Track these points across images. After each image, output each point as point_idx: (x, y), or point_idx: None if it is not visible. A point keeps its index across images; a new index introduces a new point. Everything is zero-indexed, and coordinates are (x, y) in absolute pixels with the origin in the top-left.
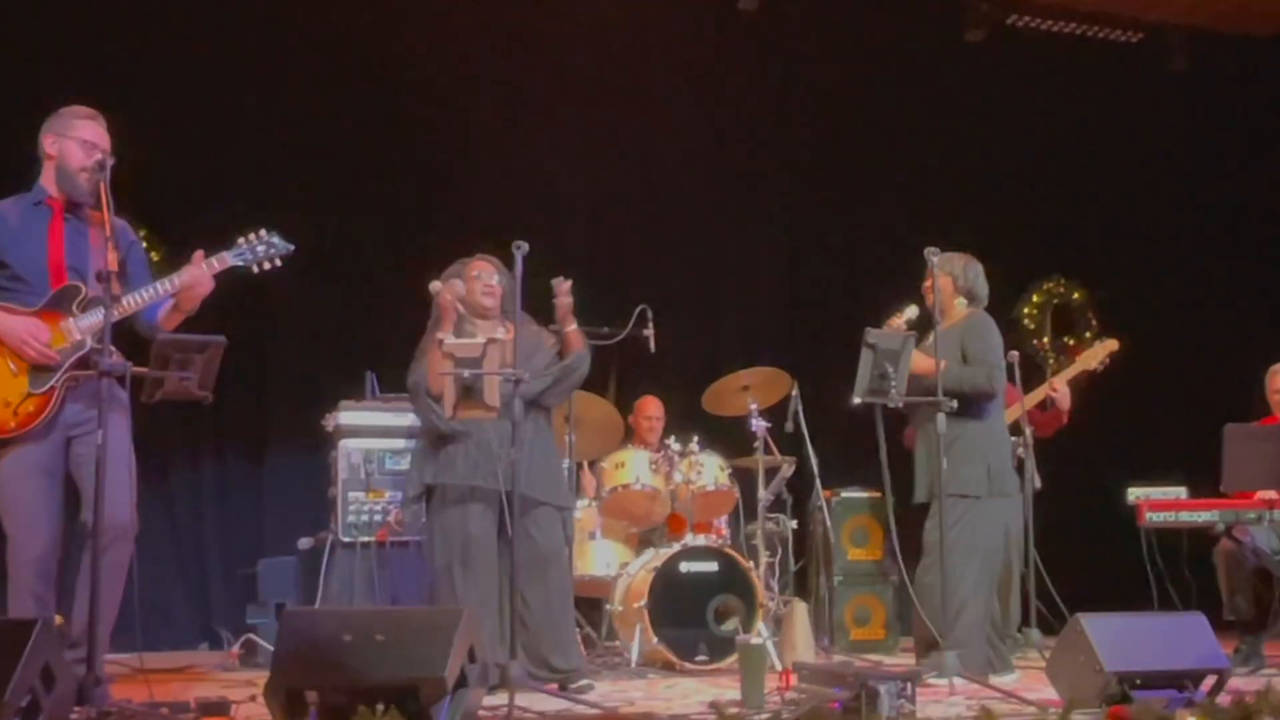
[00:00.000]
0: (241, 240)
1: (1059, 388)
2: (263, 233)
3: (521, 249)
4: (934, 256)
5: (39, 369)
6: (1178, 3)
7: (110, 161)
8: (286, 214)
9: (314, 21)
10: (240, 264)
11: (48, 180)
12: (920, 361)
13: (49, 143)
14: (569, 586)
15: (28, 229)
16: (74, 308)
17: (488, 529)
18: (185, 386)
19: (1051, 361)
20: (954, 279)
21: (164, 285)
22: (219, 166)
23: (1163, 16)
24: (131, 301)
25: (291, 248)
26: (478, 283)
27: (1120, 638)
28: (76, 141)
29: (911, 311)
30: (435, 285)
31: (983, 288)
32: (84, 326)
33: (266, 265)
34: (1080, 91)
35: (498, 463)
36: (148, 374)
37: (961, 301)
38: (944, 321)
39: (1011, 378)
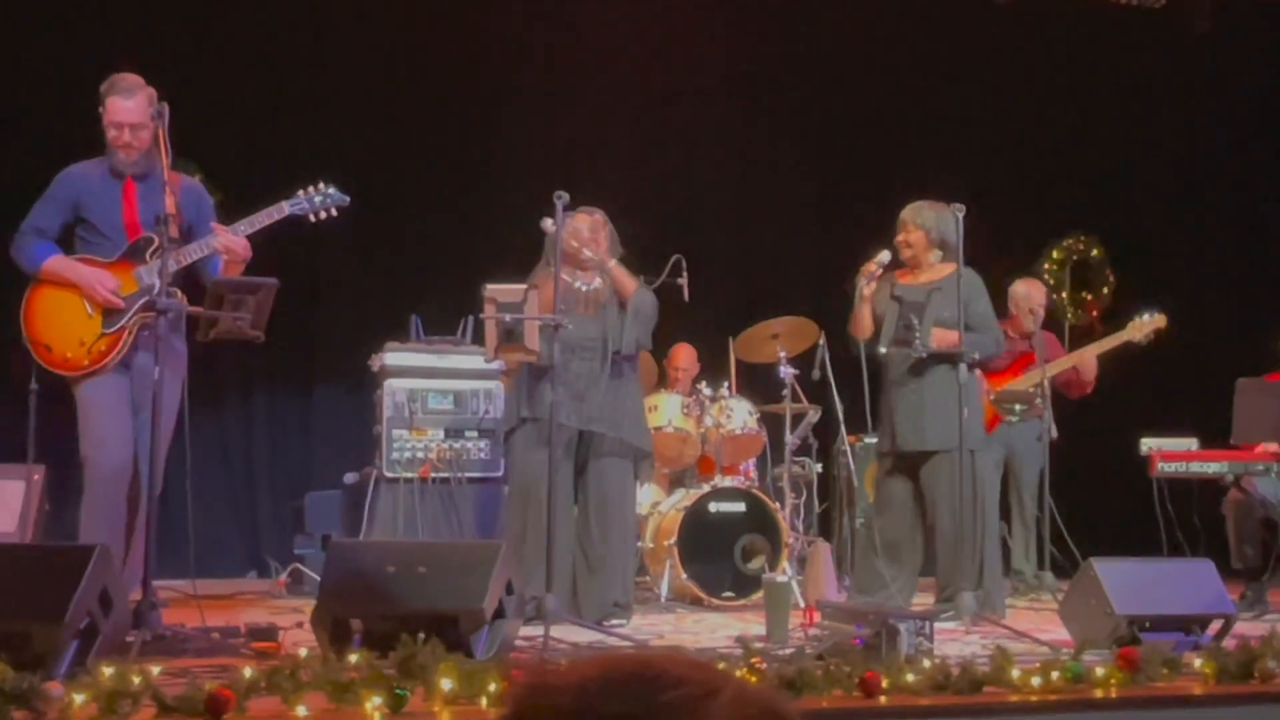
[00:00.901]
0: (300, 191)
1: (1084, 360)
2: (320, 185)
3: (563, 199)
4: (959, 212)
5: (110, 312)
6: None
7: (150, 129)
8: (336, 161)
9: None
10: (299, 213)
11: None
12: (942, 336)
13: (103, 118)
14: (634, 526)
15: (106, 190)
16: (146, 257)
17: (559, 465)
18: (239, 326)
19: (1069, 316)
20: (927, 232)
21: (207, 245)
22: (274, 115)
23: None
24: (185, 254)
25: (347, 199)
26: (573, 237)
27: (1130, 582)
28: (109, 123)
29: (884, 256)
30: (548, 223)
31: (953, 237)
32: (154, 271)
33: (323, 215)
34: (1105, 53)
35: (585, 402)
36: (203, 314)
37: (936, 254)
38: (921, 273)
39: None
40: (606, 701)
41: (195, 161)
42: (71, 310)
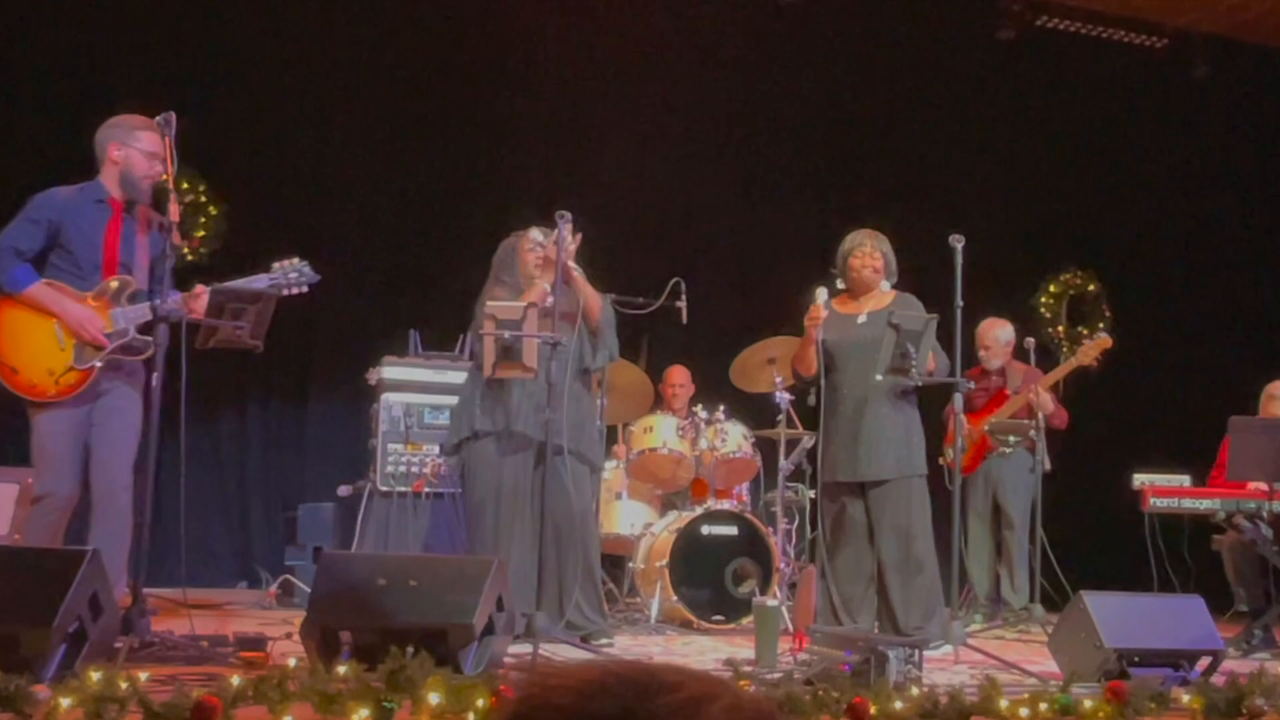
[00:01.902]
0: (276, 265)
1: (1038, 396)
2: (295, 260)
3: (565, 218)
4: (958, 243)
5: (84, 348)
6: (1202, 11)
7: (164, 163)
8: (338, 177)
9: None
10: (271, 286)
11: (109, 181)
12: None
13: (114, 150)
14: (597, 543)
15: (90, 222)
16: (123, 299)
17: (523, 478)
18: (238, 335)
19: (1065, 349)
20: (886, 260)
21: (176, 301)
22: (276, 127)
23: (1188, 24)
24: (165, 282)
25: (318, 278)
26: (531, 254)
27: (1121, 616)
28: (141, 153)
29: (821, 295)
30: (550, 243)
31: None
32: (129, 316)
33: (294, 290)
34: (1105, 92)
35: (539, 415)
36: (203, 321)
37: (890, 280)
38: (868, 300)
39: (1027, 362)
40: (604, 703)
41: (199, 173)
42: (43, 338)
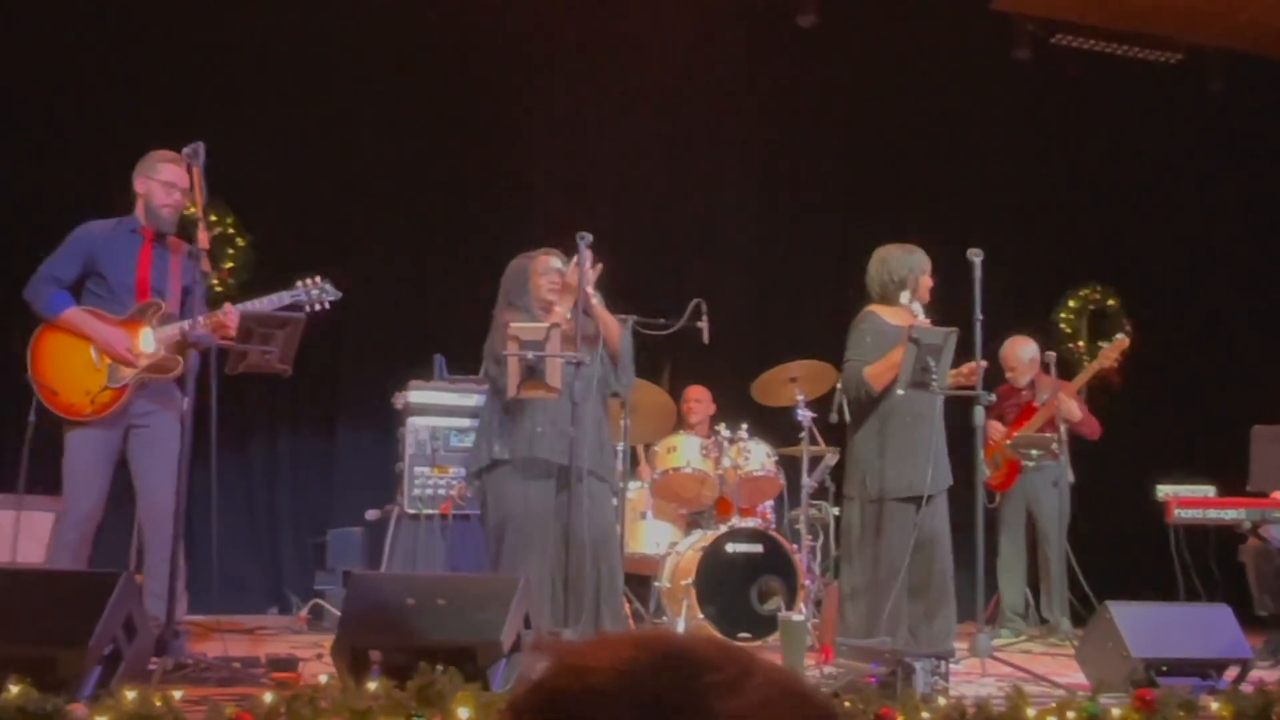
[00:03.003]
0: (299, 283)
1: (1063, 404)
2: (318, 279)
3: (586, 239)
4: (977, 257)
5: (117, 366)
6: (1216, 27)
7: (185, 193)
8: (363, 206)
9: (391, 19)
10: (298, 303)
11: (140, 212)
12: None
13: (139, 184)
14: (619, 560)
15: (123, 250)
16: (154, 320)
17: (545, 502)
18: (267, 359)
19: (1086, 363)
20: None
21: (205, 321)
22: (300, 160)
23: (1202, 39)
24: (185, 326)
25: (340, 295)
26: (544, 278)
27: (1147, 626)
28: (159, 183)
29: (919, 308)
30: (572, 266)
31: (911, 277)
32: (160, 337)
33: (317, 307)
34: (1121, 108)
35: (562, 439)
36: (233, 346)
37: (905, 295)
38: (899, 314)
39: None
40: (647, 683)
41: (228, 204)
42: (80, 359)
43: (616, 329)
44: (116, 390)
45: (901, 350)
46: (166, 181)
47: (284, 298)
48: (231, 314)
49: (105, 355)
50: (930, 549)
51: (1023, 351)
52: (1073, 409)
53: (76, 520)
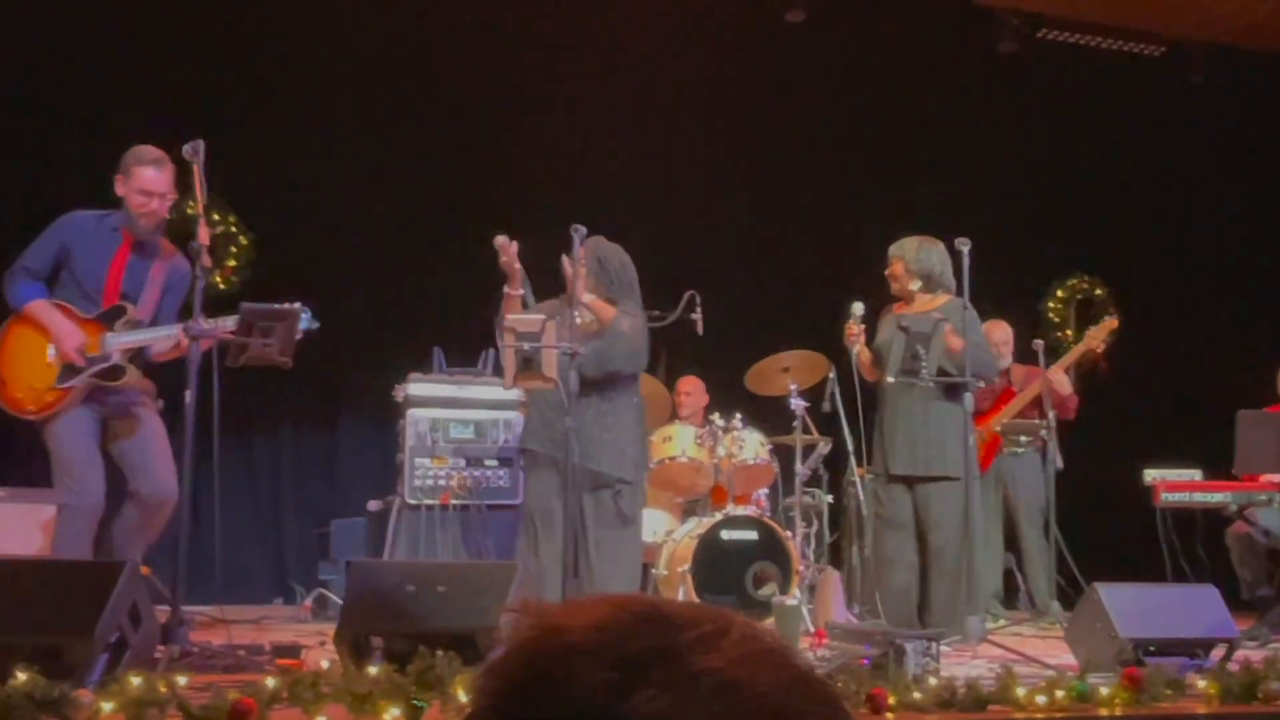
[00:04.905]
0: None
1: (1053, 376)
2: (297, 305)
3: (580, 232)
4: (964, 246)
5: (68, 368)
6: (1198, 19)
7: (172, 198)
8: (360, 200)
9: (388, 16)
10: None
11: (125, 213)
12: (951, 341)
13: (118, 184)
14: (627, 557)
15: (99, 248)
16: (117, 325)
17: (556, 495)
18: (267, 352)
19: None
20: (905, 263)
21: (169, 334)
22: (297, 156)
23: (1184, 32)
24: (148, 335)
25: (317, 325)
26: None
27: (1135, 607)
28: (136, 190)
29: (858, 309)
30: (500, 240)
31: (938, 269)
32: (119, 344)
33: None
34: (1105, 100)
35: (553, 429)
36: (233, 339)
37: (917, 284)
38: (910, 305)
39: (1037, 365)
40: (626, 639)
41: (228, 202)
42: (35, 353)
43: (609, 315)
44: (62, 391)
45: (863, 356)
46: (141, 190)
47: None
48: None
49: (55, 348)
50: (931, 531)
51: (997, 335)
52: (1064, 381)
53: (83, 514)
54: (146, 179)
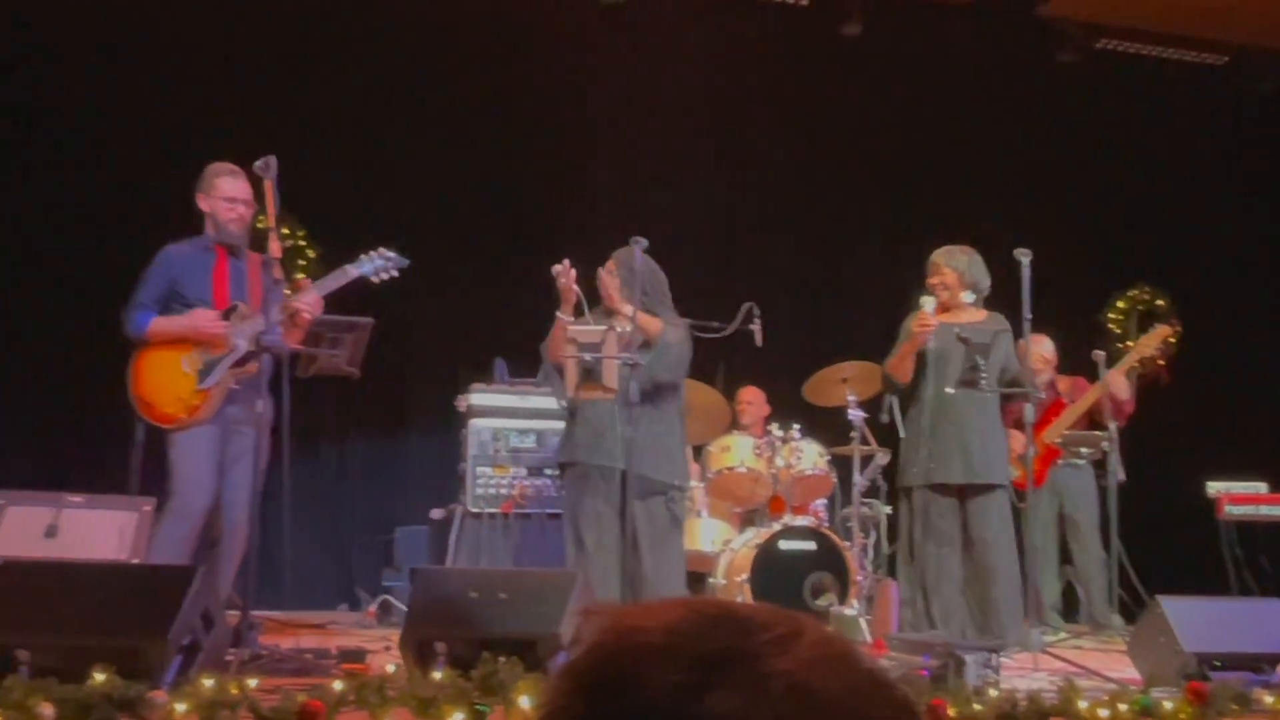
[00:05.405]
0: (363, 255)
1: (1115, 380)
2: (382, 250)
3: (640, 243)
4: (1024, 257)
5: (204, 369)
6: (1261, 26)
7: (254, 206)
8: (425, 212)
9: (456, 33)
10: (365, 274)
11: (210, 229)
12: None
13: (201, 202)
14: (679, 562)
15: (200, 265)
16: (236, 320)
17: (607, 504)
18: (335, 362)
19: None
20: (960, 274)
21: (289, 303)
22: (365, 169)
23: (1248, 40)
24: (270, 316)
25: (406, 262)
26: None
27: (1199, 620)
28: (220, 199)
29: (929, 303)
30: (556, 267)
31: (985, 281)
32: (242, 332)
33: (385, 276)
34: (1168, 110)
35: (611, 441)
36: (303, 350)
37: (970, 295)
38: (957, 314)
39: (1083, 376)
40: (700, 641)
41: (297, 217)
42: (171, 369)
43: (656, 328)
44: (206, 391)
45: (910, 343)
46: (227, 197)
47: (349, 271)
48: (308, 291)
49: (195, 341)
50: (980, 544)
51: (1042, 349)
52: (1123, 385)
53: (187, 515)
54: (228, 188)
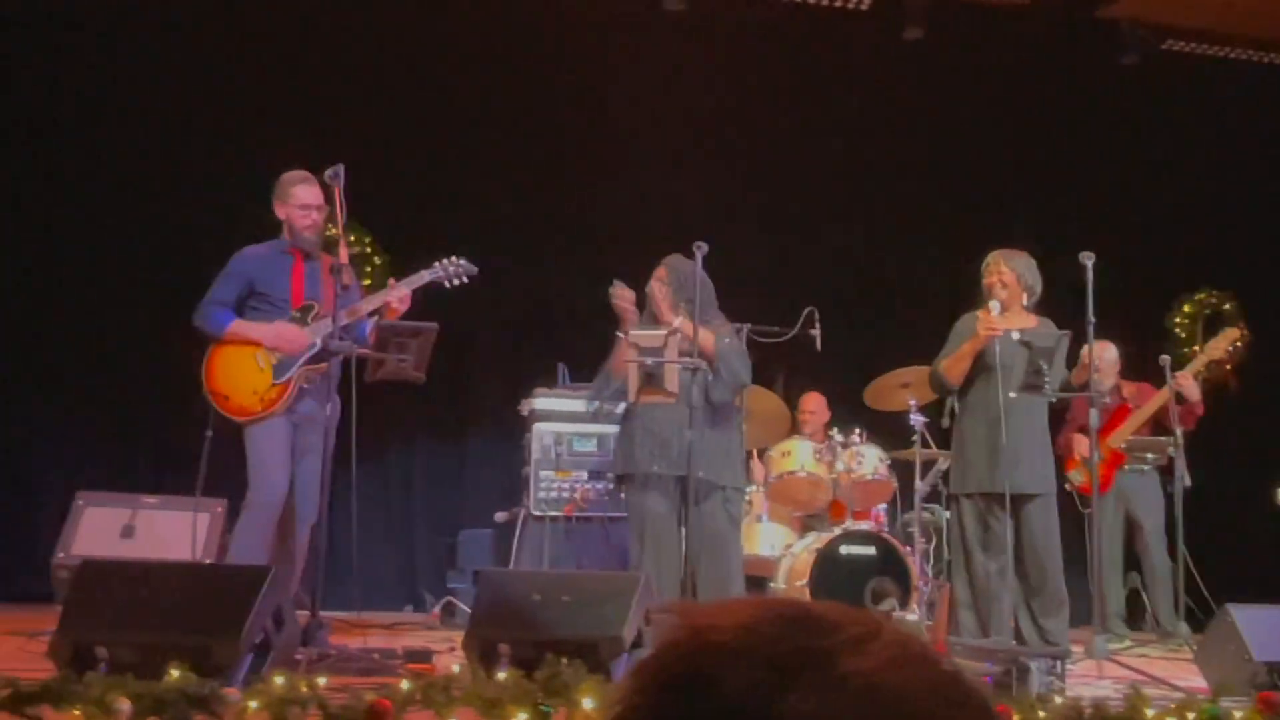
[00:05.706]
0: (436, 262)
1: (1184, 382)
2: (454, 257)
3: (701, 249)
4: (1088, 261)
5: (280, 364)
6: None
7: (325, 210)
8: (489, 222)
9: (518, 40)
10: (436, 279)
11: (287, 234)
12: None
13: (278, 209)
14: (738, 561)
15: (278, 267)
16: (308, 319)
17: (668, 509)
18: (401, 368)
19: (1204, 369)
20: (1019, 276)
21: (380, 298)
22: (431, 176)
23: None
24: (357, 308)
25: (475, 269)
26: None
27: (1270, 629)
28: (295, 207)
29: (996, 306)
30: (613, 290)
31: (1038, 284)
32: (317, 330)
33: (456, 281)
34: (1235, 111)
35: (674, 448)
36: (370, 355)
37: (1028, 299)
38: (1011, 318)
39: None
40: (775, 641)
41: (364, 226)
42: (247, 364)
43: (710, 344)
44: (282, 385)
45: (973, 344)
46: (302, 204)
47: (424, 276)
48: (397, 288)
49: (274, 348)
50: (1033, 550)
51: (1106, 355)
52: (1192, 387)
53: (266, 505)
54: (303, 194)
